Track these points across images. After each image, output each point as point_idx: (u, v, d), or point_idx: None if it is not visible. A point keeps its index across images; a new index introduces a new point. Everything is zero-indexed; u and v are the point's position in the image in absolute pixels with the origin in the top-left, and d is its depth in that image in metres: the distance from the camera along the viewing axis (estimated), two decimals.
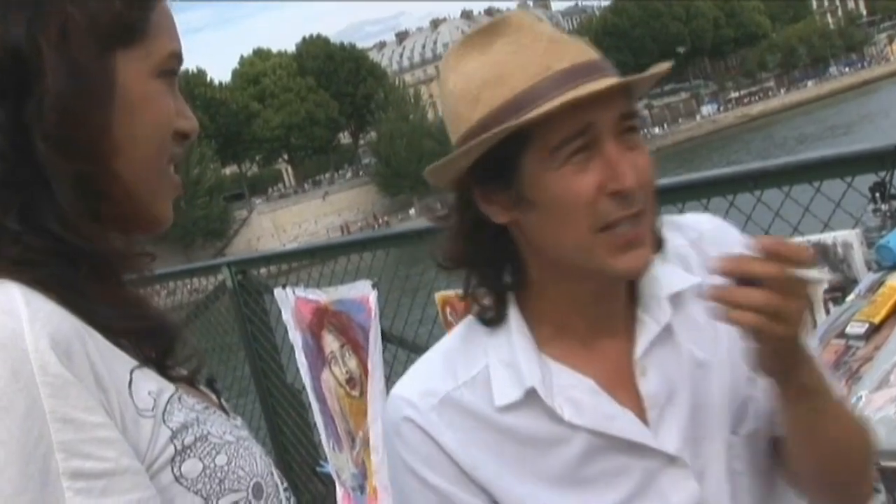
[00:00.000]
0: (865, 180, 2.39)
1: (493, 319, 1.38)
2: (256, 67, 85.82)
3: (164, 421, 0.99)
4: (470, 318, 1.42)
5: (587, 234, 1.27)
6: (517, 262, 1.37)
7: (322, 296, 3.99)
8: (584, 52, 1.30)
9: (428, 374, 1.41)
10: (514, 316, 1.37)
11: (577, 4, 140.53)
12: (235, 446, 1.04)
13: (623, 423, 1.31)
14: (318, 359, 4.13)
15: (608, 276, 1.30)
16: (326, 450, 4.18)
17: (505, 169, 1.28)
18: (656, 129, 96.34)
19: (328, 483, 4.29)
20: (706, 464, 1.33)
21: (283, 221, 69.11)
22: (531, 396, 1.32)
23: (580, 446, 1.31)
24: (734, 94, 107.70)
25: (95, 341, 0.97)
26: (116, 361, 0.99)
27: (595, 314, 1.36)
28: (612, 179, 1.25)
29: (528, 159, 1.27)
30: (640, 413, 1.33)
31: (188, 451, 0.99)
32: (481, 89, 1.29)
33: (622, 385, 1.34)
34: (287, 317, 4.19)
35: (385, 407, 1.43)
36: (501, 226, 1.33)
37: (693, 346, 1.35)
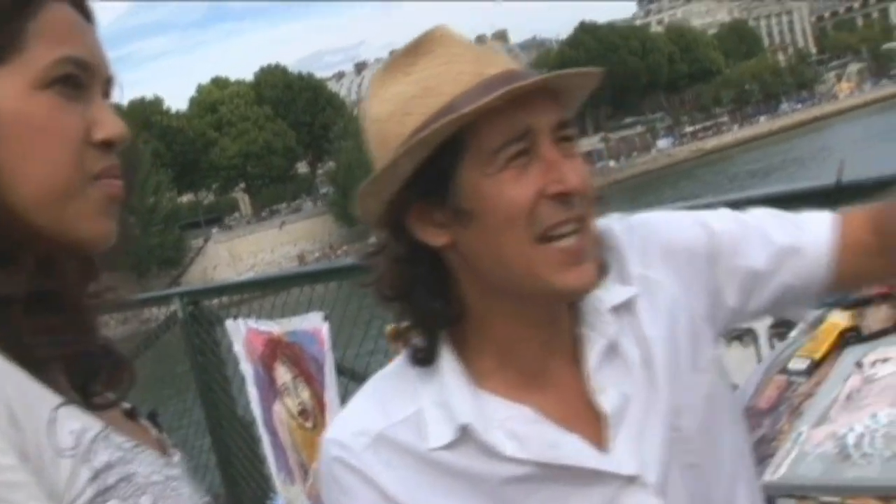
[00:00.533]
0: None
1: (424, 360, 1.32)
2: (214, 95, 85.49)
3: (85, 461, 0.95)
4: (402, 358, 1.36)
5: (529, 246, 1.22)
6: (453, 294, 1.30)
7: (275, 327, 3.97)
8: (515, 61, 1.31)
9: (359, 414, 1.36)
10: (446, 354, 1.31)
11: (534, 38, 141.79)
12: (162, 487, 1.00)
13: (569, 449, 1.26)
14: (270, 391, 4.10)
15: (553, 294, 1.26)
16: (277, 482, 4.14)
17: (442, 180, 1.24)
18: (612, 163, 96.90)
19: None
20: (667, 474, 1.28)
21: (239, 250, 68.58)
22: (467, 434, 1.26)
23: (529, 480, 1.25)
24: (689, 129, 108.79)
25: (16, 379, 0.94)
26: (38, 400, 0.95)
27: (540, 339, 1.31)
28: (554, 182, 1.21)
29: (465, 167, 1.23)
30: (596, 434, 1.28)
31: (109, 492, 0.95)
32: (411, 104, 1.26)
33: (576, 408, 1.29)
34: (238, 348, 4.16)
35: (320, 455, 1.36)
36: (437, 255, 1.28)
37: (638, 354, 1.32)
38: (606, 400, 1.28)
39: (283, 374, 4.00)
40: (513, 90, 1.20)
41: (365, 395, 1.39)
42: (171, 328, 4.66)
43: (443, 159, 1.23)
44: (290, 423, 4.04)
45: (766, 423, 1.96)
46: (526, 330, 1.30)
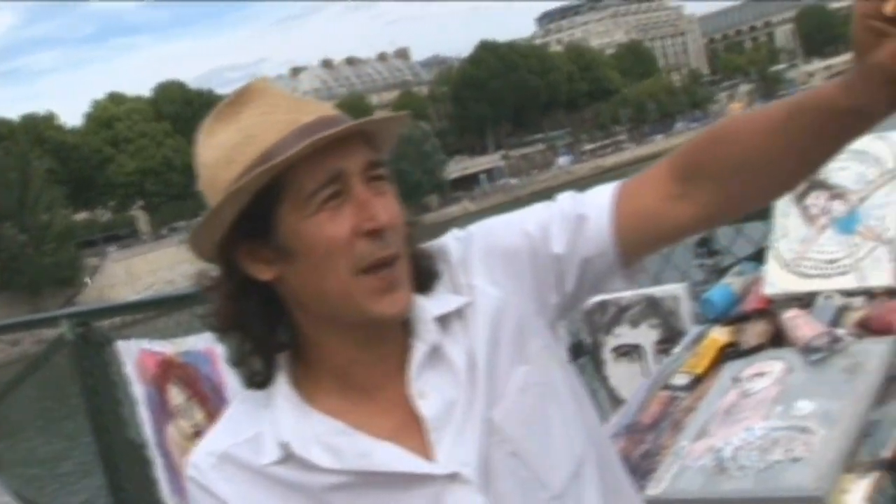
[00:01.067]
0: (692, 237, 2.49)
1: (260, 383, 1.42)
2: (110, 111, 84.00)
3: None
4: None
5: (348, 278, 1.33)
6: (287, 323, 1.41)
7: (168, 347, 3.91)
8: (328, 108, 1.40)
9: (213, 435, 1.46)
10: (281, 377, 1.42)
11: (436, 56, 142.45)
12: None
13: (380, 456, 1.35)
14: (163, 412, 4.04)
15: (371, 321, 1.36)
16: None
17: (264, 223, 1.34)
18: (513, 180, 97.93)
19: None
20: (488, 468, 1.37)
21: (137, 269, 67.21)
22: (290, 450, 1.36)
23: (350, 488, 1.36)
24: (589, 147, 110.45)
25: None
26: None
27: (371, 358, 1.40)
28: (366, 220, 1.32)
29: (283, 210, 1.33)
30: (422, 439, 1.36)
31: None
32: (234, 151, 1.35)
33: (402, 417, 1.38)
34: (130, 370, 4.09)
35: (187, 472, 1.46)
36: (268, 286, 1.38)
37: (465, 359, 1.39)
38: (426, 405, 1.37)
39: (176, 395, 3.94)
40: (321, 139, 1.29)
41: (224, 417, 1.49)
42: (60, 350, 4.56)
43: (263, 203, 1.33)
44: (184, 444, 3.98)
45: (650, 438, 1.99)
46: (357, 352, 1.40)
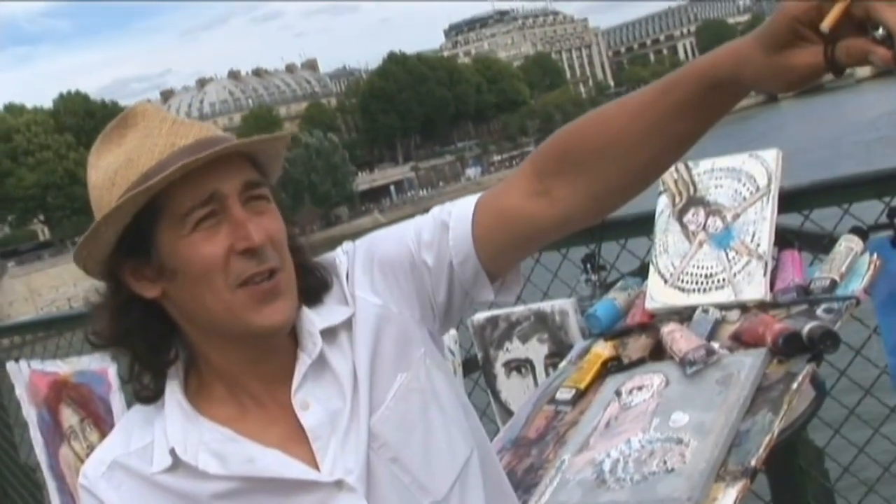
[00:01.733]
0: (579, 252, 2.54)
1: (148, 398, 1.46)
2: (8, 123, 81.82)
3: None
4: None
5: (226, 294, 1.36)
6: (175, 338, 1.45)
7: (63, 367, 3.84)
8: (208, 129, 1.42)
9: (105, 445, 1.48)
10: (173, 388, 1.45)
11: (344, 67, 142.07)
12: None
13: (266, 462, 1.38)
14: (56, 434, 3.95)
15: (253, 332, 1.39)
16: None
17: (144, 242, 1.37)
18: (422, 192, 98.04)
19: None
20: (371, 474, 1.40)
21: (38, 285, 65.58)
22: (178, 459, 1.39)
23: (237, 494, 1.38)
24: (497, 157, 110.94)
25: None
26: None
27: (259, 369, 1.43)
28: (240, 239, 1.35)
29: (162, 230, 1.36)
30: (310, 449, 1.40)
31: None
32: (116, 174, 1.38)
33: (291, 426, 1.41)
34: (20, 392, 4.00)
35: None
36: (154, 302, 1.41)
37: (349, 368, 1.43)
38: (307, 415, 1.41)
39: (69, 416, 3.87)
40: (192, 161, 1.32)
41: (117, 427, 1.51)
42: None
43: (143, 224, 1.36)
44: (78, 466, 3.90)
45: (534, 452, 2.03)
46: (245, 363, 1.43)
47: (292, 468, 1.38)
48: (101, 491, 1.43)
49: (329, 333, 1.45)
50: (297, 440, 1.40)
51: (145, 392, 1.46)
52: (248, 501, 1.38)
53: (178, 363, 1.47)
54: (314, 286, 1.47)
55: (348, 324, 1.46)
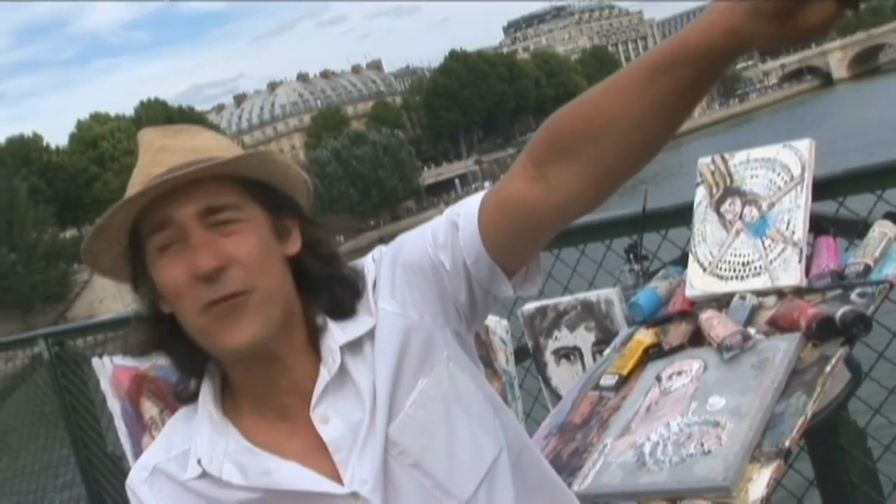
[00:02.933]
0: (622, 243, 2.55)
1: (186, 399, 1.50)
2: (94, 131, 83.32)
3: None
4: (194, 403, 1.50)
5: (196, 316, 1.37)
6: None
7: (143, 362, 3.94)
8: (195, 152, 1.40)
9: (150, 451, 1.52)
10: (204, 396, 1.47)
11: (408, 66, 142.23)
12: None
13: (282, 475, 1.39)
14: (138, 425, 4.05)
15: (224, 352, 1.39)
16: None
17: (139, 265, 1.41)
18: (486, 183, 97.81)
19: None
20: (388, 483, 1.39)
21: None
22: (204, 467, 1.42)
23: (255, 502, 1.40)
24: None
25: None
26: None
27: (273, 383, 1.43)
28: (194, 265, 1.34)
29: (147, 255, 1.39)
30: (331, 461, 1.39)
31: None
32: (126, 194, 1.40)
33: (312, 440, 1.40)
34: (105, 385, 4.10)
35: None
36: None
37: (371, 380, 1.41)
38: (327, 429, 1.40)
39: (149, 408, 3.95)
40: (119, 206, 1.35)
41: (162, 433, 1.55)
42: (38, 369, 4.56)
43: (133, 249, 1.41)
44: None
45: (579, 437, 2.04)
46: (255, 374, 1.43)
47: (307, 480, 1.38)
48: (144, 495, 1.47)
49: (351, 346, 1.42)
50: (318, 453, 1.40)
51: (186, 394, 1.50)
52: None
53: (215, 371, 1.48)
54: (342, 298, 1.45)
55: (371, 335, 1.43)
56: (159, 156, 1.40)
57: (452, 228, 1.39)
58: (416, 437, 1.40)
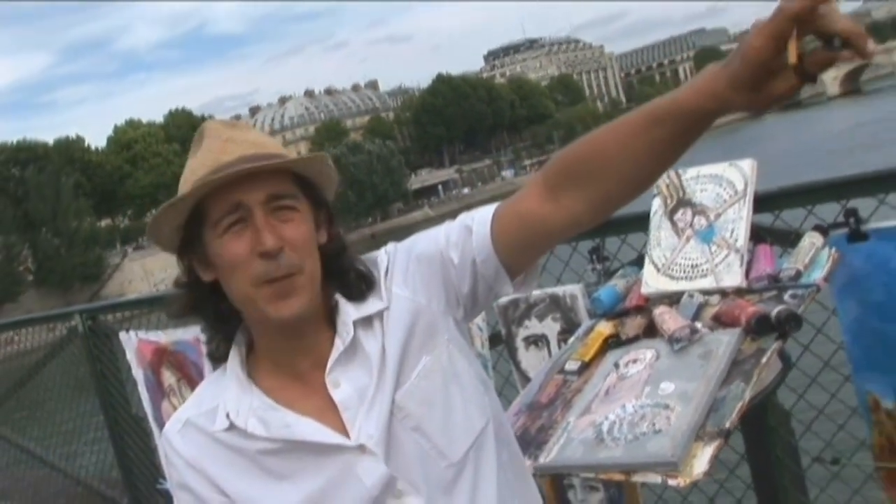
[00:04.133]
0: (586, 245, 2.51)
1: (218, 358, 1.49)
2: (129, 135, 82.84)
3: None
4: (224, 365, 1.50)
5: (249, 288, 1.37)
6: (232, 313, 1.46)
7: (162, 337, 3.89)
8: (256, 145, 1.42)
9: (184, 406, 1.52)
10: (232, 359, 1.47)
11: (401, 86, 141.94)
12: None
13: (300, 428, 1.39)
14: (158, 392, 4.00)
15: (271, 321, 1.39)
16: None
17: (195, 238, 1.40)
18: (465, 190, 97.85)
19: (168, 498, 4.13)
20: (391, 441, 1.40)
21: (151, 267, 66.03)
22: (232, 420, 1.43)
23: (279, 452, 1.40)
24: (528, 162, 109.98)
25: None
26: None
27: (294, 348, 1.43)
28: (259, 244, 1.35)
29: (205, 230, 1.39)
30: (341, 419, 1.40)
31: None
32: (183, 178, 1.42)
33: (323, 400, 1.41)
34: (130, 356, 4.05)
35: None
36: (217, 284, 1.42)
37: (378, 352, 1.42)
38: (338, 392, 1.41)
39: (168, 377, 3.91)
40: (209, 182, 1.35)
41: (195, 392, 1.54)
42: (74, 340, 4.50)
43: (192, 224, 1.40)
44: None
45: (545, 415, 2.00)
46: (280, 342, 1.43)
47: (322, 434, 1.39)
48: (177, 444, 1.46)
49: (363, 322, 1.44)
50: (330, 412, 1.40)
51: (217, 353, 1.49)
52: (286, 458, 1.40)
53: (242, 336, 1.48)
54: (355, 282, 1.46)
55: (380, 314, 1.44)
56: (228, 145, 1.40)
57: (465, 231, 1.43)
58: (419, 405, 1.42)
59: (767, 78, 1.12)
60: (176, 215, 1.39)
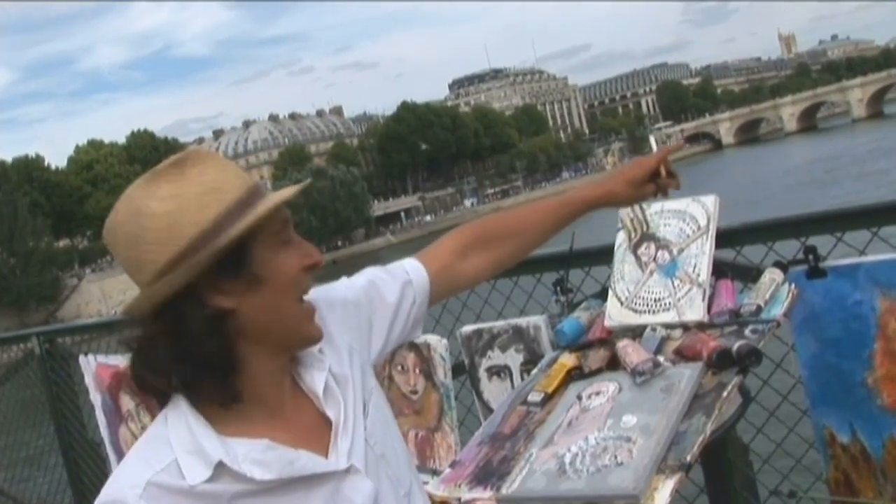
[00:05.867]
0: (551, 277, 2.52)
1: (232, 399, 1.34)
2: (90, 155, 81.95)
3: None
4: (152, 427, 1.38)
5: (295, 304, 1.38)
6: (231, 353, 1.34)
7: (122, 361, 3.83)
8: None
9: (126, 473, 1.33)
10: (189, 413, 1.34)
11: (365, 113, 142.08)
12: None
13: (303, 462, 1.35)
14: (116, 416, 3.94)
15: (308, 341, 1.42)
16: None
17: (241, 256, 1.31)
18: (428, 217, 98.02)
19: None
20: (370, 466, 1.42)
21: (109, 289, 65.12)
22: (220, 469, 1.30)
23: (272, 494, 1.32)
24: (490, 190, 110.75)
25: None
26: None
27: (282, 381, 1.41)
28: (307, 256, 1.39)
29: (259, 245, 1.33)
30: (321, 446, 1.39)
31: None
32: (202, 198, 1.30)
33: (306, 430, 1.39)
34: (88, 380, 3.99)
35: None
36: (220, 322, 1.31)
37: (338, 371, 1.46)
38: (332, 414, 1.42)
39: (127, 402, 3.86)
40: (296, 192, 1.38)
41: (127, 460, 1.37)
42: (30, 363, 4.42)
43: (243, 242, 1.31)
44: (133, 443, 3.89)
45: (508, 445, 2.00)
46: (279, 376, 1.41)
47: (320, 464, 1.36)
48: None
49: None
50: (312, 439, 1.39)
51: (218, 397, 1.34)
52: (273, 496, 1.32)
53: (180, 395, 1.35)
54: None
55: (321, 350, 1.47)
56: (241, 168, 1.42)
57: (404, 275, 1.68)
58: (380, 434, 1.47)
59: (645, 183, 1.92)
60: (235, 234, 1.29)
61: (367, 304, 1.59)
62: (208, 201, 1.30)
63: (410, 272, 1.67)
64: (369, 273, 1.66)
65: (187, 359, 1.31)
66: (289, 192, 1.37)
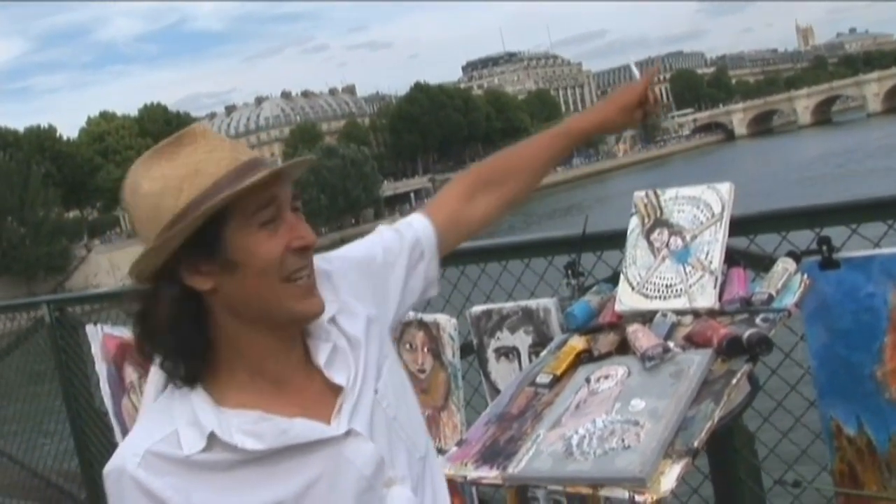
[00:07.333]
0: (562, 260, 2.52)
1: (190, 379, 1.39)
2: (102, 127, 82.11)
3: None
4: (163, 394, 1.42)
5: (278, 284, 1.36)
6: (211, 329, 1.39)
7: (127, 332, 3.85)
8: (254, 152, 1.44)
9: (130, 441, 1.39)
10: (198, 390, 1.40)
11: (378, 93, 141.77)
12: None
13: (295, 431, 1.37)
14: (120, 387, 3.97)
15: (297, 320, 1.41)
16: None
17: (213, 240, 1.33)
18: None
19: None
20: (374, 426, 1.44)
21: (118, 260, 65.16)
22: (213, 440, 1.34)
23: (270, 462, 1.36)
24: None
25: None
26: None
27: (284, 353, 1.42)
28: (297, 238, 1.37)
29: (231, 228, 1.33)
30: (325, 413, 1.41)
31: None
32: (183, 182, 1.33)
33: (311, 397, 1.42)
34: (95, 350, 4.01)
35: (105, 480, 1.38)
36: (198, 298, 1.36)
37: (349, 348, 1.48)
38: (341, 380, 1.44)
39: (130, 373, 3.88)
40: (270, 173, 1.34)
41: (135, 428, 1.43)
42: (39, 331, 4.44)
43: (213, 225, 1.33)
44: (135, 415, 3.91)
45: (515, 426, 2.00)
46: (275, 348, 1.41)
47: (316, 430, 1.38)
48: (143, 478, 1.32)
49: (330, 321, 1.48)
50: (316, 406, 1.41)
51: (189, 375, 1.39)
52: (272, 463, 1.36)
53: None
54: None
55: (334, 318, 1.49)
56: (236, 146, 1.40)
57: (410, 235, 1.69)
58: (393, 395, 1.49)
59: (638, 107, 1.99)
60: (201, 216, 1.31)
61: (381, 264, 1.61)
62: (185, 185, 1.33)
63: (418, 229, 1.70)
64: (379, 234, 1.68)
65: (160, 337, 1.36)
66: (263, 174, 1.33)
